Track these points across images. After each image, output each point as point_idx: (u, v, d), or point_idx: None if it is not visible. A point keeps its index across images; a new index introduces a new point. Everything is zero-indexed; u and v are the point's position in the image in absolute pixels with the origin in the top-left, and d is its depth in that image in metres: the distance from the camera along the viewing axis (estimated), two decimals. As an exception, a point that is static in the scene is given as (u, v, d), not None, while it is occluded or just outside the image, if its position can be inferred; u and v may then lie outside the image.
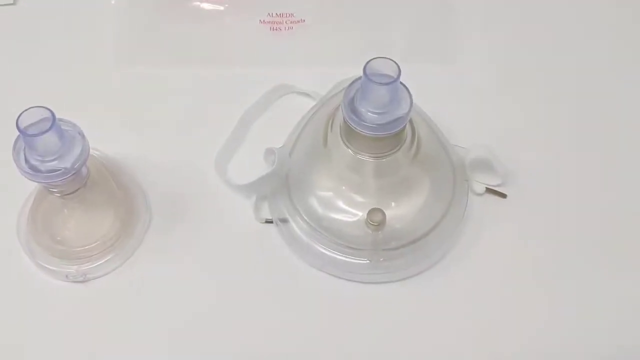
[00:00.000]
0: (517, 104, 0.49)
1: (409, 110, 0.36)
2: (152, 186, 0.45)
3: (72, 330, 0.40)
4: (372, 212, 0.38)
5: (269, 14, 0.53)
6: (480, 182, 0.43)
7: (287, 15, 0.53)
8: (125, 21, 0.52)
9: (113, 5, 0.53)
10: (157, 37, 0.52)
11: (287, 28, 0.53)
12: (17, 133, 0.36)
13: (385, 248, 0.39)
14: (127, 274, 0.42)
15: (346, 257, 0.40)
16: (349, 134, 0.39)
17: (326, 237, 0.40)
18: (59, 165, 0.37)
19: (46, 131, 0.35)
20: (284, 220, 0.42)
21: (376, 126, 0.36)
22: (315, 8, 0.53)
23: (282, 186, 0.42)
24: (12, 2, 0.55)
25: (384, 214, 0.38)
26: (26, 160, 0.37)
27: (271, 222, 0.43)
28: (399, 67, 0.35)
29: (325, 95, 0.46)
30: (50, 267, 0.41)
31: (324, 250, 0.40)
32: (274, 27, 0.53)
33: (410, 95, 0.37)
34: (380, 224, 0.38)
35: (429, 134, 0.42)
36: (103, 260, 0.42)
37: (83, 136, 0.37)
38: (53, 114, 0.35)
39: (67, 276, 0.41)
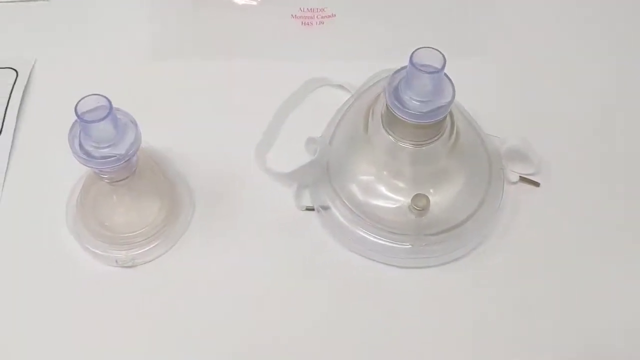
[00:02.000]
0: (550, 94, 0.50)
1: (451, 100, 0.38)
2: (194, 176, 0.46)
3: (121, 315, 0.41)
4: (416, 197, 0.39)
5: (300, 9, 0.54)
6: (514, 171, 0.45)
7: (318, 10, 0.54)
8: (162, 15, 0.53)
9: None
10: (193, 31, 0.53)
11: (318, 23, 0.54)
12: (64, 121, 0.38)
13: (427, 233, 0.40)
14: (172, 260, 0.43)
15: (388, 242, 0.41)
16: (391, 122, 0.40)
17: (368, 222, 0.41)
18: (113, 152, 0.38)
19: (103, 119, 0.36)
20: (325, 207, 0.43)
21: (419, 114, 0.38)
22: (345, 3, 0.54)
23: (322, 174, 0.43)
24: (46, -2, 0.56)
25: (428, 199, 0.39)
26: (81, 146, 0.38)
27: (312, 209, 0.44)
28: (444, 57, 0.36)
29: (362, 86, 0.47)
30: (98, 252, 0.42)
31: (366, 235, 0.42)
32: (306, 22, 0.54)
33: (453, 86, 0.38)
34: (424, 209, 0.39)
35: (466, 124, 0.43)
36: (149, 247, 0.43)
37: (136, 124, 0.38)
38: (110, 102, 0.36)
39: (116, 261, 0.42)
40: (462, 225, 0.41)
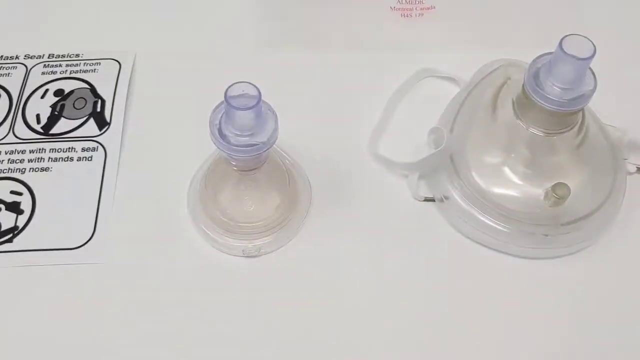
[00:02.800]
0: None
1: (594, 89, 0.38)
2: (309, 166, 0.46)
3: (245, 302, 0.41)
4: (557, 185, 0.39)
5: (399, 1, 0.54)
6: (632, 162, 0.45)
7: (417, 2, 0.54)
8: (265, 5, 0.53)
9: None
10: (297, 22, 0.53)
11: (417, 14, 0.54)
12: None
13: (563, 222, 0.40)
14: (292, 251, 0.43)
15: (521, 230, 0.41)
16: (525, 108, 0.40)
17: (496, 211, 0.41)
18: (253, 141, 0.38)
19: (252, 107, 0.36)
20: (447, 197, 0.43)
21: (561, 101, 0.38)
22: (444, -5, 0.55)
23: (444, 163, 0.43)
24: (146, -11, 0.56)
25: (569, 188, 0.39)
26: (220, 131, 0.38)
27: (432, 199, 0.44)
28: (594, 45, 0.36)
29: (474, 76, 0.47)
30: (223, 240, 0.42)
31: (494, 225, 0.41)
32: (405, 14, 0.54)
33: (594, 75, 0.38)
34: (563, 198, 0.39)
35: (590, 115, 0.43)
36: (270, 237, 0.43)
37: (275, 115, 0.38)
38: (259, 92, 0.36)
39: (243, 251, 0.42)
40: (592, 215, 0.41)
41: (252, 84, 0.36)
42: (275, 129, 0.38)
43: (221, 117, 0.38)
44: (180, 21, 0.54)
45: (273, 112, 0.38)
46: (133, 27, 0.54)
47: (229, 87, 0.36)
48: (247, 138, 0.38)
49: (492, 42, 0.53)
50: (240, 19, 0.53)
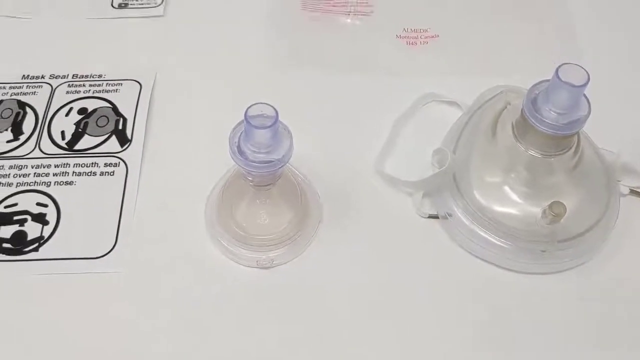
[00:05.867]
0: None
1: (588, 114, 0.40)
2: (321, 184, 0.48)
3: (259, 310, 0.43)
4: (554, 204, 0.41)
5: (404, 29, 0.58)
6: (625, 184, 0.47)
7: (422, 30, 0.57)
8: (277, 27, 0.57)
9: (265, 15, 0.57)
10: (308, 44, 0.56)
11: (422, 42, 0.57)
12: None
13: (559, 240, 0.43)
14: (303, 263, 0.45)
15: (519, 247, 0.43)
16: (523, 131, 0.43)
17: (496, 227, 0.44)
18: (269, 158, 0.40)
19: (270, 126, 0.38)
20: (450, 214, 0.45)
21: (557, 125, 0.40)
22: (448, 24, 0.58)
23: (448, 182, 0.46)
24: (161, 13, 0.59)
25: (565, 207, 0.41)
26: (239, 148, 0.40)
27: (436, 216, 0.47)
28: (588, 74, 0.39)
29: (476, 101, 0.50)
30: (238, 251, 0.45)
31: (494, 241, 0.44)
32: (410, 42, 0.57)
33: (589, 101, 0.41)
34: (560, 216, 0.41)
35: (585, 139, 0.46)
36: (282, 250, 0.45)
37: (290, 134, 0.41)
38: (277, 112, 0.39)
39: (257, 262, 0.44)
40: (587, 233, 0.43)
41: (270, 105, 0.39)
42: (290, 147, 0.40)
43: (240, 135, 0.40)
44: (198, 43, 0.57)
45: (288, 131, 0.41)
46: (153, 49, 0.57)
47: (249, 107, 0.38)
48: (264, 155, 0.40)
49: (492, 69, 0.56)
50: (254, 41, 0.56)
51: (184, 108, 0.53)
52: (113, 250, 0.45)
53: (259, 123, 0.39)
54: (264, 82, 0.54)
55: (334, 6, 0.58)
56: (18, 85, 0.53)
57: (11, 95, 0.53)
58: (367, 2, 0.58)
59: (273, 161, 0.40)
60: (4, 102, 0.52)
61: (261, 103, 0.39)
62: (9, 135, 0.50)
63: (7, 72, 0.54)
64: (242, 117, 0.40)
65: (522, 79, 0.49)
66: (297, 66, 0.55)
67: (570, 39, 0.57)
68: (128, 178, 0.48)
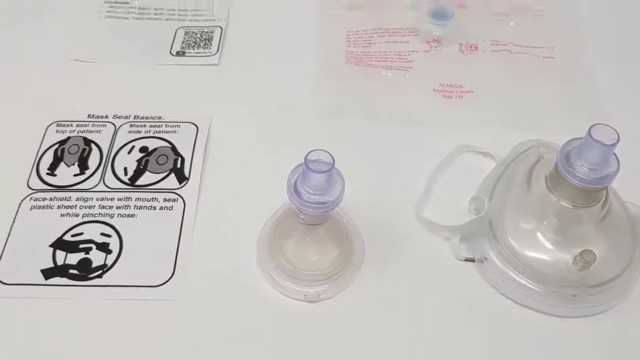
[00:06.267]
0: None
1: (617, 170, 0.44)
2: (364, 226, 0.51)
3: (305, 343, 0.46)
4: (584, 251, 0.45)
5: (440, 84, 0.62)
6: (648, 236, 0.51)
7: (457, 86, 0.62)
8: (323, 75, 0.62)
9: (313, 68, 0.63)
10: (352, 98, 0.61)
11: (457, 96, 0.61)
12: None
13: (589, 285, 0.46)
14: (347, 298, 0.48)
15: (547, 291, 0.46)
16: (556, 183, 0.46)
17: (529, 272, 0.47)
18: (323, 199, 0.44)
19: (326, 171, 0.42)
20: (485, 258, 0.49)
21: (589, 179, 0.44)
22: (481, 81, 0.62)
23: (484, 228, 0.49)
24: (216, 62, 0.64)
25: (595, 254, 0.44)
26: (295, 189, 0.44)
27: (472, 260, 0.50)
28: (618, 134, 0.43)
29: (510, 153, 0.54)
30: (284, 284, 0.48)
31: (527, 284, 0.47)
32: (446, 95, 0.61)
33: (618, 159, 0.44)
34: (590, 263, 0.45)
35: (612, 193, 0.49)
36: (328, 285, 0.48)
37: (343, 178, 0.45)
38: (333, 159, 0.43)
39: (305, 295, 0.48)
40: (616, 279, 0.47)
41: (328, 152, 0.43)
42: (342, 191, 0.44)
43: (297, 176, 0.44)
44: (250, 91, 0.61)
45: (341, 177, 0.45)
46: (209, 94, 0.61)
47: (308, 152, 0.42)
48: (318, 196, 0.44)
49: (523, 123, 0.59)
50: (302, 90, 0.61)
51: (237, 150, 0.57)
52: (171, 280, 0.49)
53: (316, 168, 0.43)
54: (311, 129, 0.58)
55: (377, 61, 0.63)
56: (84, 123, 0.58)
57: (78, 133, 0.57)
58: (406, 59, 0.63)
59: (326, 203, 0.44)
60: (71, 139, 0.57)
61: (319, 150, 0.43)
62: (75, 169, 0.55)
63: (74, 111, 0.59)
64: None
65: (551, 134, 0.53)
66: (342, 116, 0.59)
67: (594, 99, 0.61)
68: (185, 213, 0.52)
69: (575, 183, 0.44)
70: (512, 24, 0.67)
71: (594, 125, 0.43)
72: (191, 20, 0.68)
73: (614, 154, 0.44)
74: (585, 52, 0.65)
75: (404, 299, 0.49)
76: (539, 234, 0.48)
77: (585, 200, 0.46)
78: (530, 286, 0.47)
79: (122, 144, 0.57)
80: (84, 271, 0.49)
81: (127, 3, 0.69)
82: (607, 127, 0.43)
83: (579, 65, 0.64)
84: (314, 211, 0.44)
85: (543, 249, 0.47)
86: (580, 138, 0.45)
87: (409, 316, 0.48)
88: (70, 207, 0.52)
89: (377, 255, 0.51)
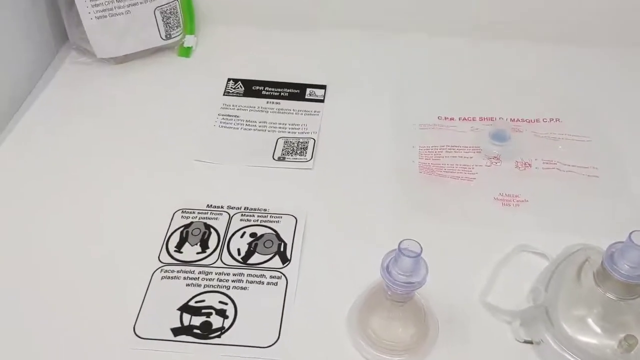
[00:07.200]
0: None
1: (656, 270, 0.54)
2: (437, 308, 0.61)
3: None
4: (628, 336, 0.53)
5: (500, 193, 0.73)
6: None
7: (514, 195, 0.73)
8: (401, 188, 0.74)
9: (390, 175, 0.75)
10: (423, 201, 0.73)
11: (514, 204, 0.72)
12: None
13: (633, 365, 0.54)
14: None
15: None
16: (603, 278, 0.56)
17: (581, 354, 0.55)
18: (410, 280, 0.54)
19: (415, 257, 0.53)
20: (543, 341, 0.57)
21: (631, 276, 0.53)
22: (536, 192, 0.73)
23: (541, 314, 0.58)
24: (311, 167, 0.77)
25: (637, 339, 0.53)
26: (387, 269, 0.55)
27: (530, 342, 0.59)
28: (660, 241, 0.53)
29: (562, 253, 0.64)
30: (369, 351, 0.57)
31: (579, 365, 0.56)
32: (505, 203, 0.72)
33: (657, 259, 0.54)
34: (632, 347, 0.53)
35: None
36: (405, 357, 0.58)
37: (427, 266, 0.55)
38: (421, 248, 0.53)
39: (389, 363, 0.57)
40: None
41: (417, 242, 0.54)
42: (426, 275, 0.55)
43: (390, 260, 0.55)
44: (339, 192, 0.74)
45: (425, 263, 0.55)
46: (305, 193, 0.74)
47: (401, 241, 0.54)
48: (406, 277, 0.54)
49: (571, 229, 0.70)
50: (381, 193, 0.73)
51: (329, 238, 0.69)
52: (277, 343, 0.59)
53: (408, 253, 0.54)
54: (390, 226, 0.70)
55: (445, 171, 0.75)
56: (204, 211, 0.71)
57: (199, 219, 0.70)
58: (471, 171, 0.75)
59: (413, 283, 0.54)
60: (194, 224, 0.70)
61: (410, 239, 0.54)
62: (198, 248, 0.67)
63: (196, 201, 0.72)
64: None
65: (595, 237, 0.64)
66: (416, 216, 0.71)
67: (634, 209, 0.72)
68: (288, 288, 0.63)
69: (619, 278, 0.54)
70: (560, 147, 0.79)
71: (633, 231, 0.53)
72: (289, 132, 0.82)
73: (647, 255, 0.54)
74: (625, 172, 0.77)
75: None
76: (589, 320, 0.57)
77: (628, 293, 0.55)
78: (582, 368, 0.56)
79: (235, 229, 0.69)
80: (206, 331, 0.60)
81: (237, 117, 0.84)
82: (648, 233, 0.53)
83: (618, 182, 0.75)
84: (402, 289, 0.55)
85: (592, 334, 0.56)
86: (622, 242, 0.55)
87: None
88: (194, 278, 0.64)
89: (449, 333, 0.60)
